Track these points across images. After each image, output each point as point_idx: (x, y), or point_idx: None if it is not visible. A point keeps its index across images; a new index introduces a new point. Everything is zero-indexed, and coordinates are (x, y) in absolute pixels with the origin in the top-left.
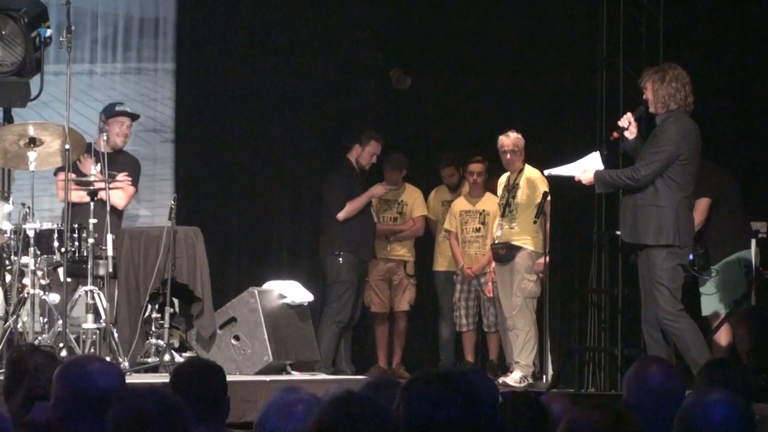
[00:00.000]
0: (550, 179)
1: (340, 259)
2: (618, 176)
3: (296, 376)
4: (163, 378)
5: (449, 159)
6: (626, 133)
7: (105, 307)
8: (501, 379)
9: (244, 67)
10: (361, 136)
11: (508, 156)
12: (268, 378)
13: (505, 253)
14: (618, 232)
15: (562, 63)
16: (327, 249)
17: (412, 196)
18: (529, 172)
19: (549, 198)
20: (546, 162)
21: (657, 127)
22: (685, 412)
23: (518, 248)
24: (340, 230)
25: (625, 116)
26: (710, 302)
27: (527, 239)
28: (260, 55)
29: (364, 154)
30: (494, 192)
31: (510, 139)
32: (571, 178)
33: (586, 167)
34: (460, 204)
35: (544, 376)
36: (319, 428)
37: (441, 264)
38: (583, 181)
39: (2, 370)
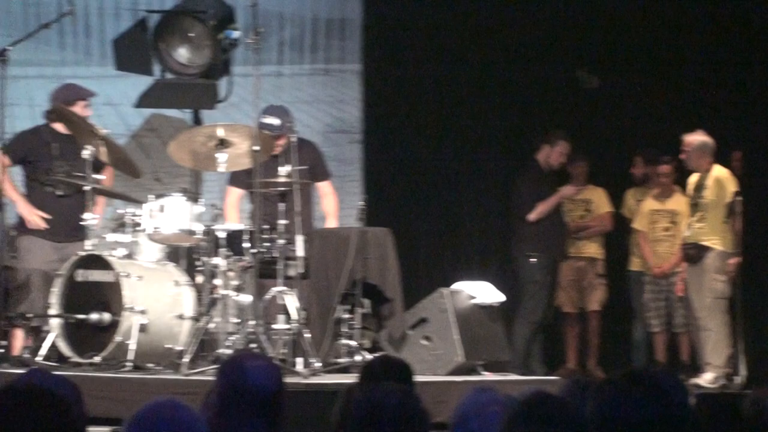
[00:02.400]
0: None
1: (533, 259)
2: None
3: (487, 376)
4: (353, 379)
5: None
6: None
7: (296, 307)
8: (693, 380)
9: (431, 67)
10: (550, 137)
11: (689, 155)
12: (459, 378)
13: (694, 253)
14: None
15: (755, 58)
16: (519, 249)
17: (596, 193)
18: (718, 171)
19: (740, 197)
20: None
21: None
22: None
23: (708, 248)
24: (532, 231)
25: None
26: None
27: (716, 239)
28: (447, 55)
29: (553, 154)
30: (685, 191)
31: (690, 140)
32: None
33: None
34: (650, 203)
35: (738, 378)
36: (511, 428)
37: (635, 264)
38: None
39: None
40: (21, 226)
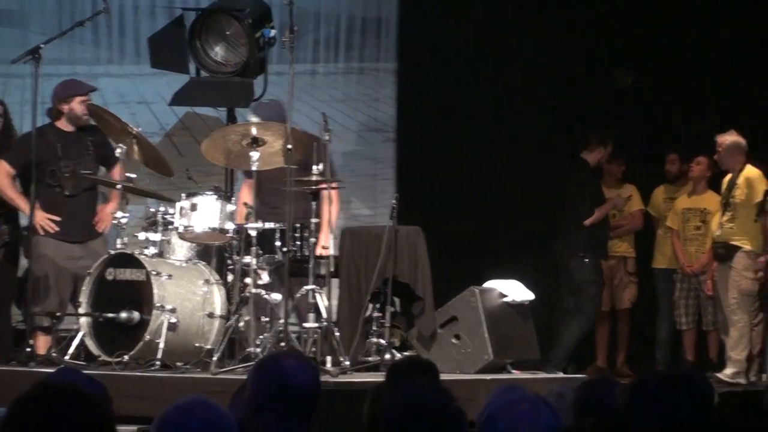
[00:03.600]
0: None
1: (587, 260)
2: None
3: (517, 374)
4: (383, 378)
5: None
6: None
7: (326, 306)
8: (714, 374)
9: (466, 66)
10: (604, 138)
11: (720, 155)
12: (488, 377)
13: (724, 252)
14: None
15: None
16: (572, 251)
17: (628, 191)
18: (749, 171)
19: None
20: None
21: None
22: None
23: (737, 248)
24: (587, 233)
25: None
26: None
27: (745, 239)
28: (482, 53)
29: (605, 155)
30: (718, 191)
31: (722, 139)
32: None
33: None
34: (683, 202)
35: (764, 375)
36: None
37: (660, 261)
38: None
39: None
40: (33, 227)
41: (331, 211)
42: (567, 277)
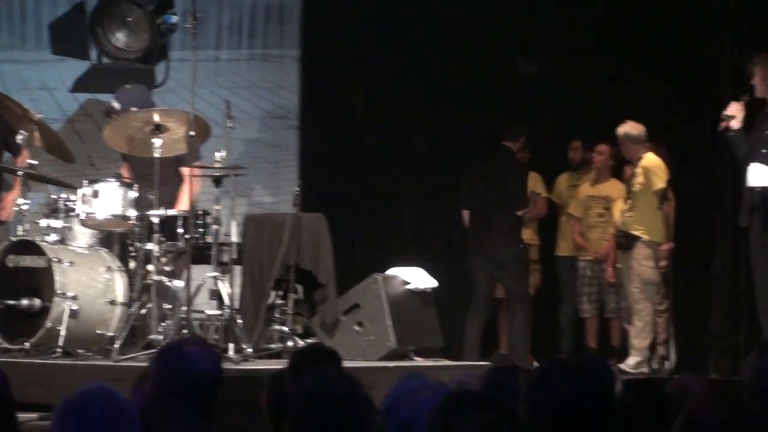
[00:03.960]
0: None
1: (521, 245)
2: None
3: (420, 362)
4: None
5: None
6: (733, 123)
7: (228, 293)
8: (617, 364)
9: (370, 53)
10: (524, 127)
11: (620, 146)
12: (391, 364)
13: (625, 241)
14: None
15: (687, 48)
16: (510, 241)
17: (531, 179)
18: (647, 160)
19: (671, 185)
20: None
21: None
22: None
23: (637, 237)
24: (519, 221)
25: (733, 105)
26: None
27: (644, 228)
28: (386, 40)
29: (523, 144)
30: (622, 179)
31: (620, 131)
32: None
33: None
34: (586, 189)
35: (667, 363)
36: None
37: (563, 249)
38: None
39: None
40: None
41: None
42: (506, 266)
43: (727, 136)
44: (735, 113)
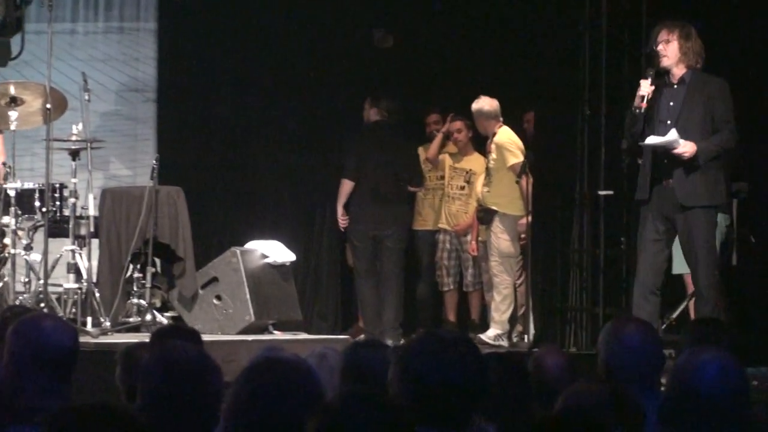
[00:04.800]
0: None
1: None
2: (723, 142)
3: (278, 335)
4: (144, 338)
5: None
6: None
7: (86, 267)
8: (477, 335)
9: (226, 26)
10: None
11: (475, 121)
12: (250, 338)
13: (483, 216)
14: (601, 193)
15: (546, 24)
16: (401, 216)
17: None
18: (500, 136)
19: (530, 158)
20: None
21: (703, 84)
22: (677, 370)
23: (495, 211)
24: (407, 199)
25: (644, 84)
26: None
27: (501, 202)
28: (242, 13)
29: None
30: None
31: (473, 107)
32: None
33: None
34: (448, 160)
35: (526, 336)
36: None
37: (420, 223)
38: (686, 155)
39: None
40: None
41: None
42: (390, 242)
43: (634, 114)
44: (648, 91)
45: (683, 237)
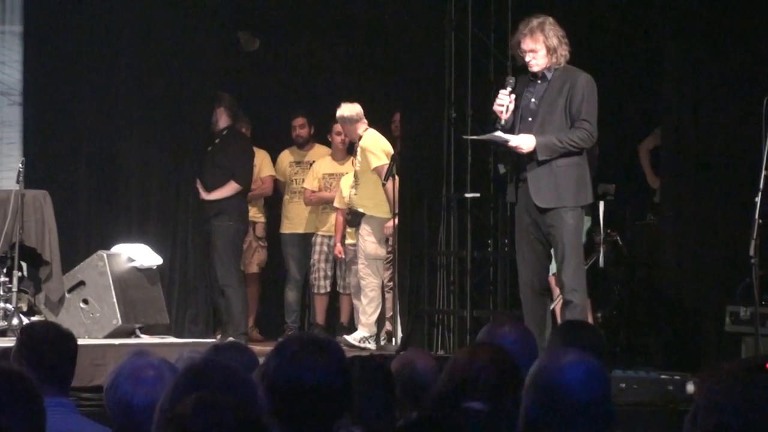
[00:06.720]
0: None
1: (231, 224)
2: (572, 140)
3: (145, 339)
4: (10, 342)
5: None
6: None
7: None
8: (343, 337)
9: (93, 30)
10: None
11: (341, 127)
12: (117, 341)
13: (351, 218)
14: (468, 195)
15: (411, 25)
16: (220, 218)
17: (259, 156)
18: (365, 139)
19: (396, 160)
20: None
21: (564, 81)
22: (539, 372)
23: (362, 214)
24: (235, 200)
25: (503, 94)
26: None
27: (368, 204)
28: (109, 17)
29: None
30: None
31: (337, 113)
32: (497, 143)
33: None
34: (324, 166)
35: (394, 339)
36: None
37: (287, 227)
38: (524, 149)
39: None
40: None
41: None
42: (214, 242)
43: (496, 128)
44: (508, 102)
45: (546, 238)
